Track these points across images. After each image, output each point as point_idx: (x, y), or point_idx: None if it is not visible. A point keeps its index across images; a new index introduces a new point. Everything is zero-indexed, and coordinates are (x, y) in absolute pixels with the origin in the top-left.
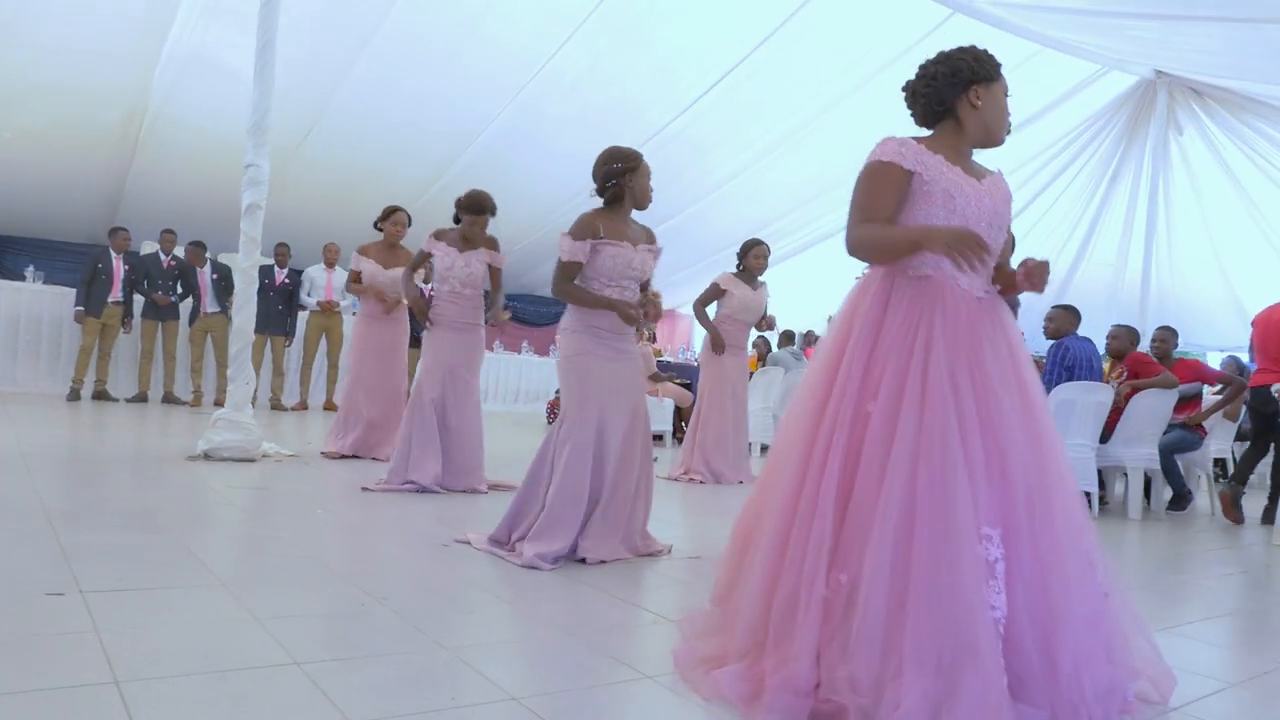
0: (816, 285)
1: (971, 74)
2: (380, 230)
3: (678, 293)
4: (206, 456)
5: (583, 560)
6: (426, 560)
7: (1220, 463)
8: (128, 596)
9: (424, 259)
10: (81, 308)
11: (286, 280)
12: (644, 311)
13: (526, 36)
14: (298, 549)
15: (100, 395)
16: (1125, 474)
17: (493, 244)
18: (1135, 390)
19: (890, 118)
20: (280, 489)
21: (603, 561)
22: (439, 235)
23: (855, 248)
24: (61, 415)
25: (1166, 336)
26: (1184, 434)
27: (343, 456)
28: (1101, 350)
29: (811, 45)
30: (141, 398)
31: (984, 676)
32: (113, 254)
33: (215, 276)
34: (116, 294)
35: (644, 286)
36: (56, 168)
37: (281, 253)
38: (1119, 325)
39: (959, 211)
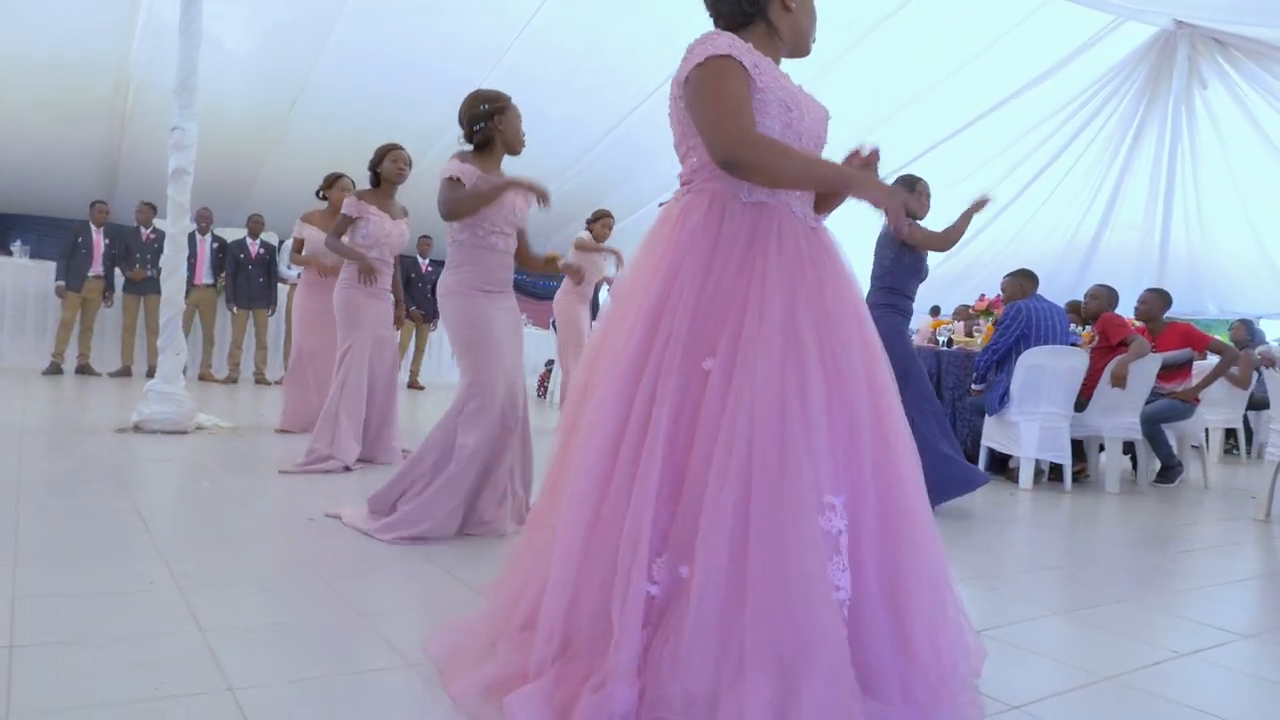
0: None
1: None
2: (324, 198)
3: None
4: (137, 429)
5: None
6: (270, 536)
7: (1231, 434)
8: None
9: (349, 223)
10: (62, 281)
11: (262, 251)
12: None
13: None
14: (136, 522)
15: (83, 370)
16: (1103, 445)
17: (404, 212)
18: (1110, 359)
19: (887, 73)
20: (185, 461)
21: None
22: (364, 198)
23: (755, 160)
24: (26, 388)
25: (1150, 299)
26: (1171, 402)
27: (289, 432)
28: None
29: None
30: (125, 372)
31: (829, 672)
32: (92, 228)
33: (215, 246)
34: (97, 268)
35: (520, 234)
36: (49, 143)
37: (255, 223)
38: (1099, 285)
39: (794, 127)
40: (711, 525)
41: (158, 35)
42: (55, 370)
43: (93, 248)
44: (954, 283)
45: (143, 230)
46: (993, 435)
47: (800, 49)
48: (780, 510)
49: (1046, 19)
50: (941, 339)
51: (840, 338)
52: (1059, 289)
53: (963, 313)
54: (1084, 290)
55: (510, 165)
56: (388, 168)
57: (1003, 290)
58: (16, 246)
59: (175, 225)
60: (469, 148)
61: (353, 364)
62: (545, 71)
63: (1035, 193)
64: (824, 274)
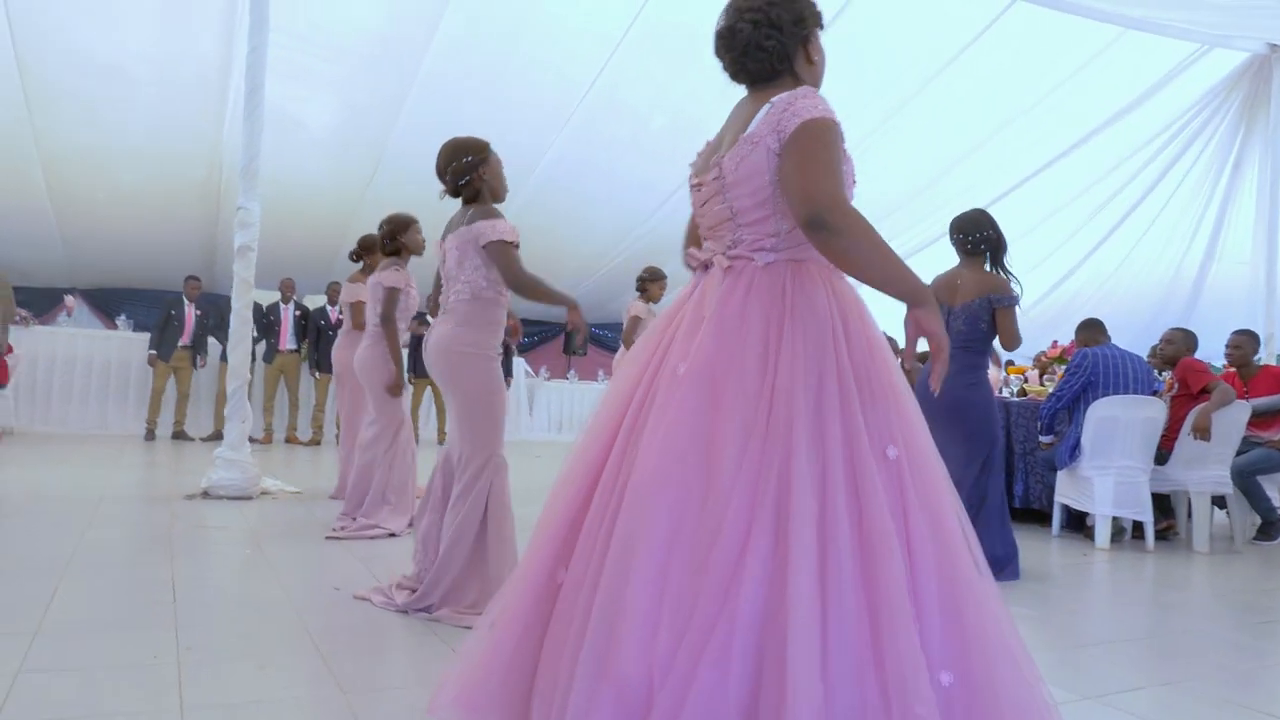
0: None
1: (814, 19)
2: (357, 261)
3: None
4: (205, 495)
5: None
6: (289, 606)
7: None
8: None
9: (397, 295)
10: (154, 351)
11: (342, 317)
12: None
13: (569, 58)
14: (165, 593)
15: (179, 435)
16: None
17: None
18: (1192, 408)
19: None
20: (238, 528)
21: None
22: (399, 269)
23: (846, 227)
24: (119, 455)
25: (1242, 342)
26: (1268, 452)
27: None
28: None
29: (867, 46)
30: (217, 436)
31: None
32: (185, 301)
33: (298, 314)
34: (187, 339)
35: None
36: (154, 222)
37: (335, 291)
38: (1174, 329)
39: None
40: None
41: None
42: (150, 436)
43: (185, 320)
44: (1049, 325)
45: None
46: (1066, 491)
47: None
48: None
49: (1123, 52)
50: (1012, 389)
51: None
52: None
53: (1040, 360)
54: (1192, 327)
55: (592, 215)
56: (415, 240)
57: (1076, 340)
58: (121, 320)
59: (239, 300)
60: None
61: (406, 442)
62: (613, 130)
63: (1130, 229)
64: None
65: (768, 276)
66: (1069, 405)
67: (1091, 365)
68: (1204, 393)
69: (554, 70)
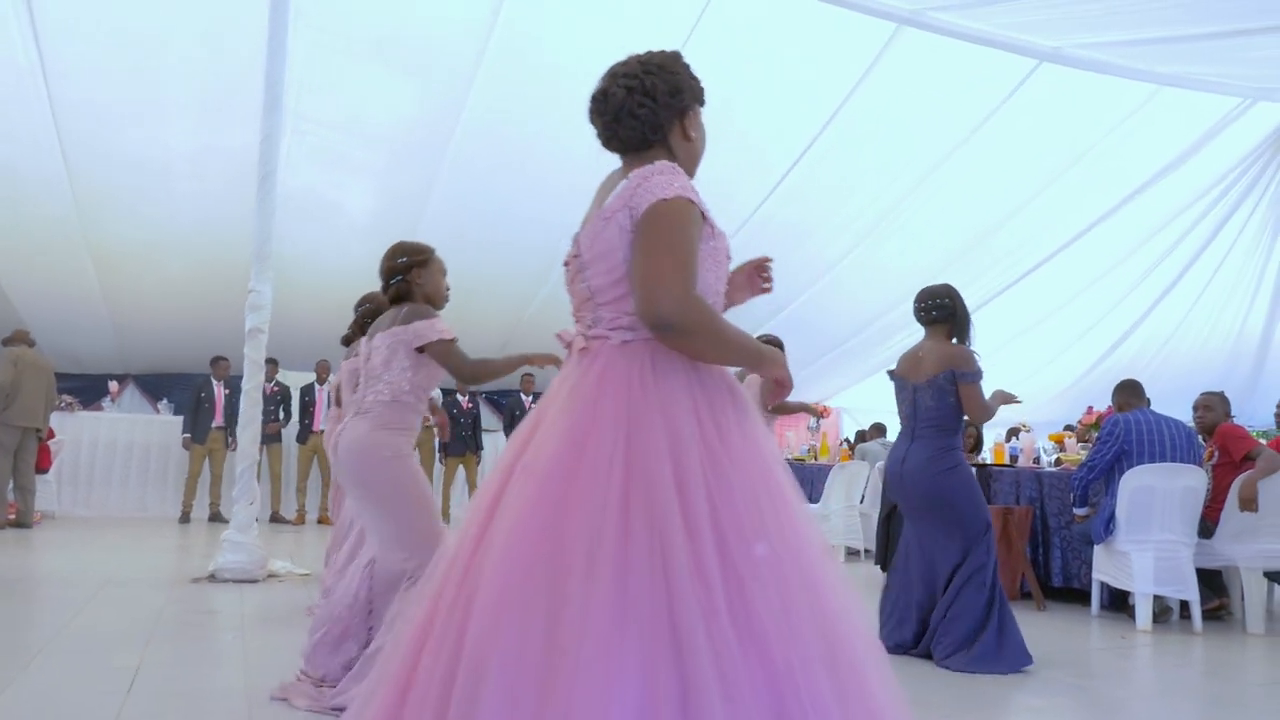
0: None
1: (692, 94)
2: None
3: (809, 389)
4: (212, 578)
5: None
6: (239, 699)
7: None
8: None
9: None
10: (188, 434)
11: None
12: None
13: (588, 131)
14: (121, 682)
15: (215, 517)
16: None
17: None
18: (1236, 476)
19: (991, 185)
20: (230, 613)
21: None
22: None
23: (698, 328)
24: (145, 538)
25: None
26: None
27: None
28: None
29: (894, 113)
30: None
31: None
32: (214, 382)
33: (332, 395)
34: (219, 420)
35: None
36: (197, 309)
37: (322, 368)
38: (1208, 393)
39: (723, 280)
40: None
41: (282, 209)
42: (185, 519)
43: (215, 401)
44: (1106, 393)
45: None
46: (1104, 567)
47: (690, 175)
48: None
49: (1159, 110)
50: (1047, 457)
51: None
52: (1233, 388)
53: (1078, 427)
54: (1260, 389)
55: None
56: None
57: (1112, 404)
58: (163, 405)
59: (250, 381)
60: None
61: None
62: None
63: (1186, 289)
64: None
65: (624, 358)
66: (1103, 475)
67: (1124, 432)
68: (1247, 460)
69: (583, 143)
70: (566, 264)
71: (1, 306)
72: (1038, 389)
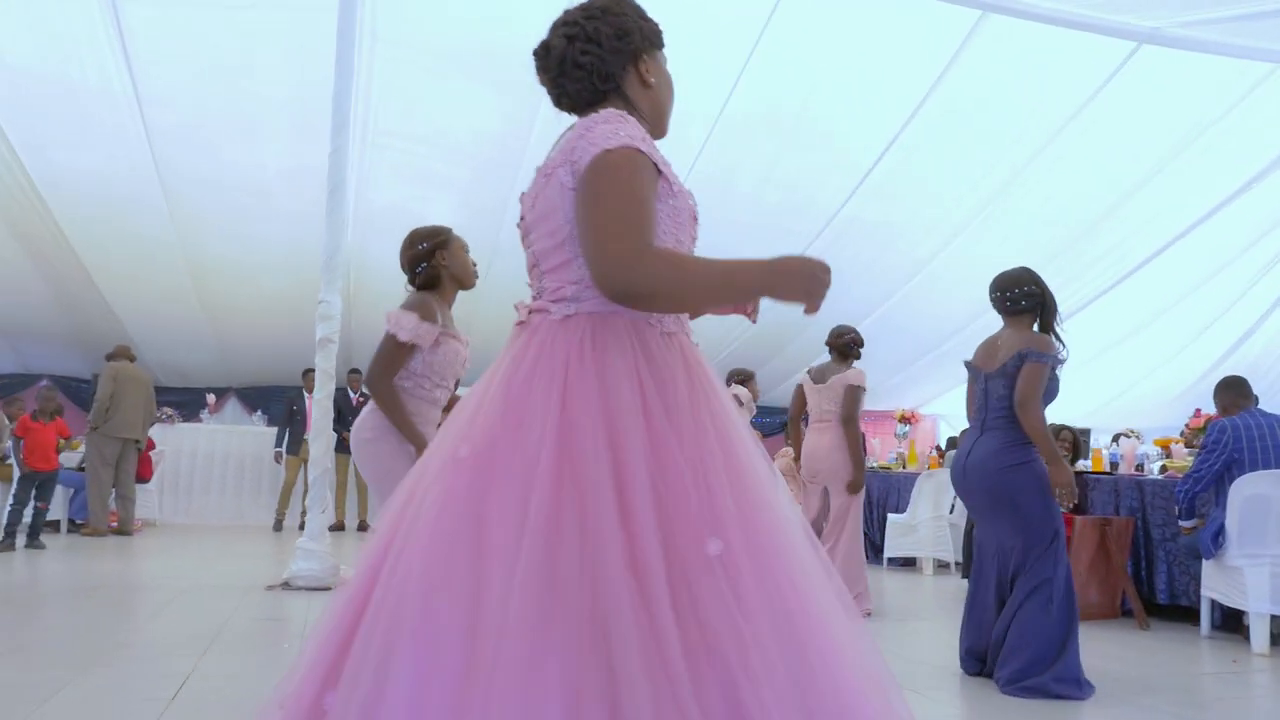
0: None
1: (643, 36)
2: None
3: (903, 395)
4: (286, 585)
5: None
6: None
7: None
8: None
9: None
10: (281, 448)
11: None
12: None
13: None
14: (166, 691)
15: (305, 526)
16: None
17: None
18: None
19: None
20: (295, 620)
21: None
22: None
23: (658, 287)
24: (235, 545)
25: None
26: None
27: None
28: None
29: (978, 102)
30: (338, 526)
31: None
32: (305, 394)
33: None
34: (310, 430)
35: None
36: (293, 323)
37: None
38: None
39: (691, 236)
40: None
41: (367, 224)
42: (278, 527)
43: (306, 412)
44: None
45: (351, 395)
46: (1213, 584)
47: (659, 129)
48: None
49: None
50: (1153, 465)
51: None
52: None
53: (1185, 432)
54: None
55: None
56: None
57: (1216, 405)
58: (256, 417)
59: (322, 390)
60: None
61: None
62: (723, 211)
63: None
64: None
65: (564, 333)
66: (1210, 487)
67: (1233, 439)
68: None
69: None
70: (518, 228)
71: (111, 324)
72: (1150, 393)
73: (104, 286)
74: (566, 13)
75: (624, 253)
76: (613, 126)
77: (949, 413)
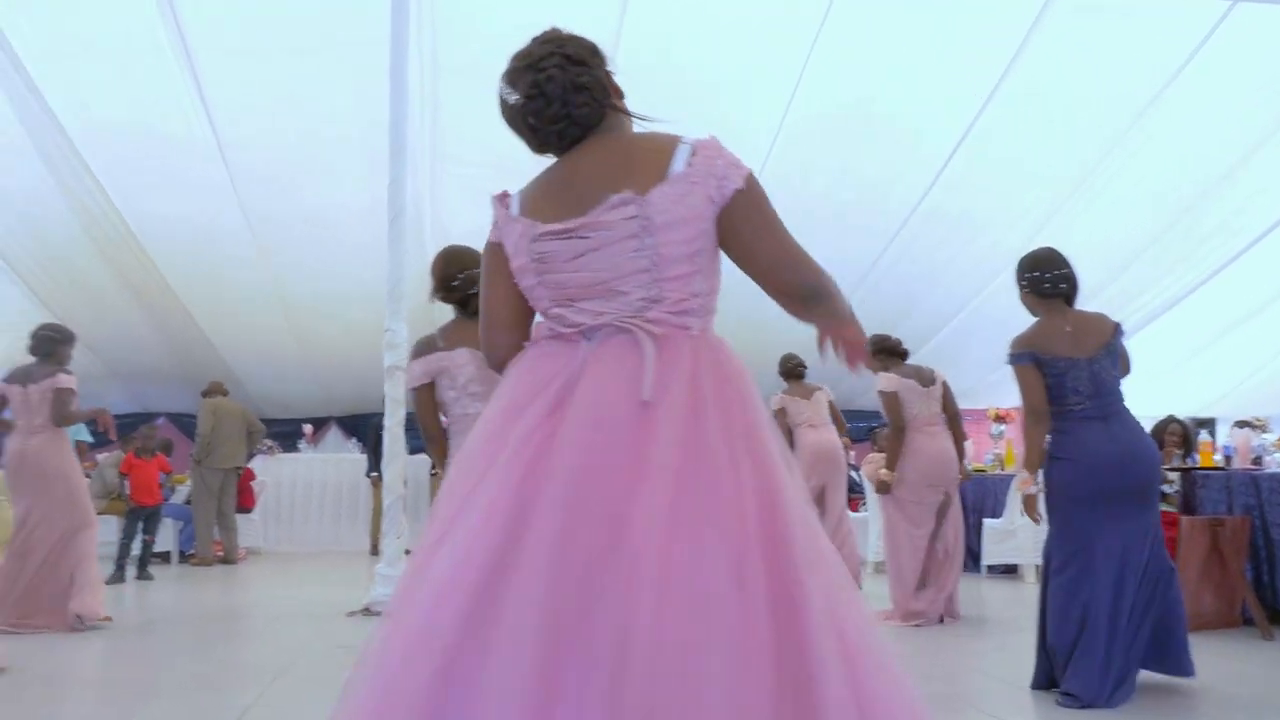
0: (1158, 361)
1: (601, 52)
2: None
3: (1001, 394)
4: (366, 611)
5: None
6: None
7: None
8: None
9: None
10: (376, 473)
11: None
12: None
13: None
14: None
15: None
16: None
17: None
18: None
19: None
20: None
21: None
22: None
23: (833, 288)
24: (329, 571)
25: None
26: None
27: None
28: None
29: (1058, 80)
30: None
31: None
32: None
33: None
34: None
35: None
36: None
37: None
38: None
39: None
40: None
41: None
42: (375, 551)
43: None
44: None
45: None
46: None
47: None
48: None
49: None
50: (1274, 456)
51: None
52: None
53: None
54: None
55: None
56: None
57: None
58: (352, 444)
59: (392, 418)
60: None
61: None
62: (798, 209)
63: None
64: None
65: (708, 351)
66: None
67: None
68: None
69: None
70: (562, 234)
71: (215, 361)
72: (1270, 380)
73: (206, 326)
74: (531, 52)
75: (812, 261)
76: (727, 149)
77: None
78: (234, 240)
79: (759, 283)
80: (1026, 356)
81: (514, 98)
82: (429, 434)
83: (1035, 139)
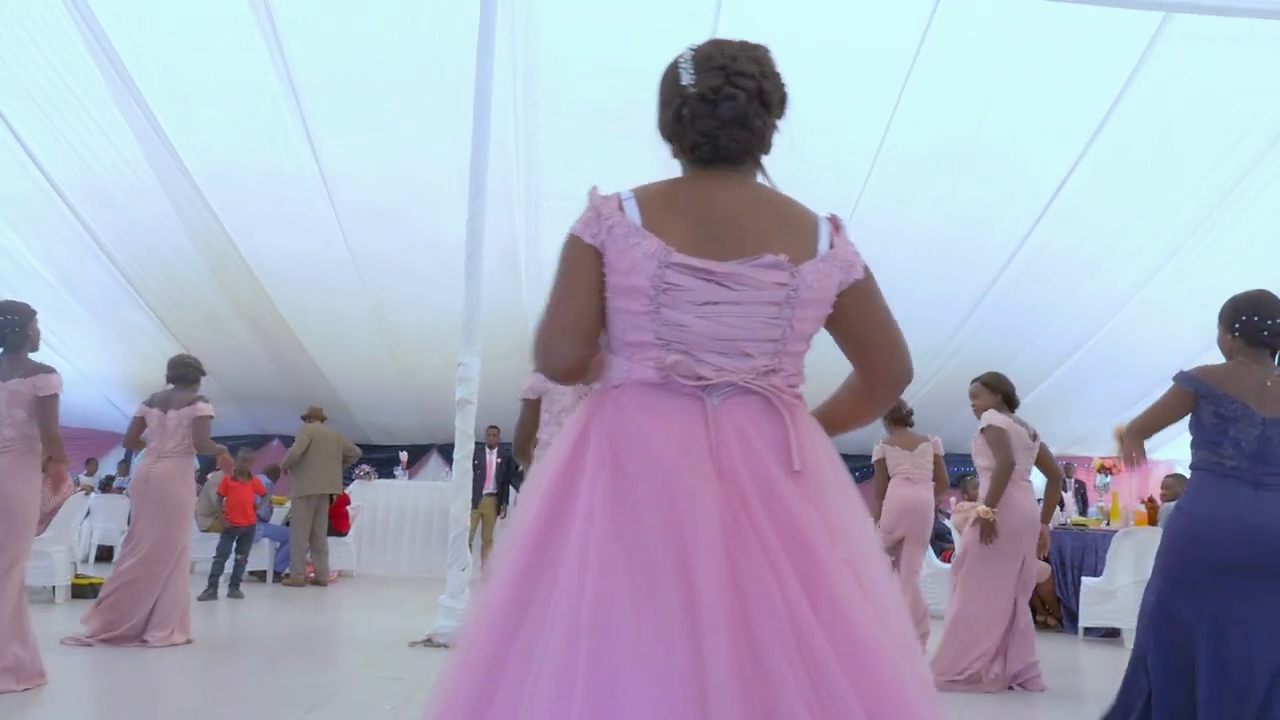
0: None
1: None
2: None
3: (1106, 441)
4: (428, 642)
5: None
6: None
7: None
8: None
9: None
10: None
11: None
12: None
13: (820, 184)
14: None
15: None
16: None
17: None
18: None
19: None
20: (416, 680)
21: None
22: None
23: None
24: (407, 598)
25: None
26: None
27: None
28: None
29: (1172, 110)
30: None
31: None
32: (487, 450)
33: (500, 461)
34: (490, 486)
35: None
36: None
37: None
38: None
39: None
40: None
41: (541, 285)
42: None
43: (486, 467)
44: None
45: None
46: None
47: None
48: None
49: None
50: None
51: None
52: None
53: None
54: None
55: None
56: None
57: None
58: (446, 472)
59: (460, 450)
60: None
61: None
62: (895, 243)
63: None
64: None
65: (817, 426)
66: None
67: None
68: None
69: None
70: (707, 276)
71: (323, 388)
72: None
73: (315, 354)
74: (735, 57)
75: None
76: (849, 236)
77: (1184, 457)
78: (339, 272)
79: (864, 367)
80: (1193, 383)
81: (689, 81)
82: (517, 445)
83: (1148, 175)
